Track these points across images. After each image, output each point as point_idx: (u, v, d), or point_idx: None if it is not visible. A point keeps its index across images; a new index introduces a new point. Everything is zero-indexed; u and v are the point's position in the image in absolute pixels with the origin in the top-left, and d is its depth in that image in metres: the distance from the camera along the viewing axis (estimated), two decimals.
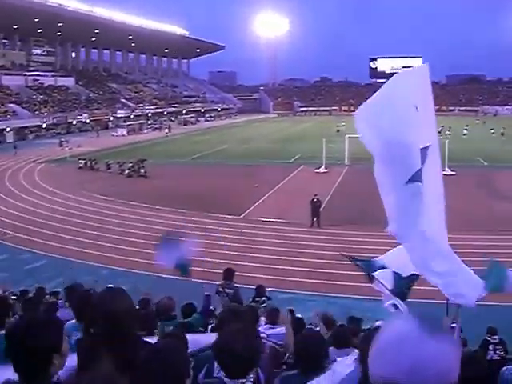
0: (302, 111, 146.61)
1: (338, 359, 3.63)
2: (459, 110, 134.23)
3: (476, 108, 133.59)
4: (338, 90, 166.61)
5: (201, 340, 4.98)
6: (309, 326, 9.50)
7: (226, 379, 3.46)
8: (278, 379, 4.22)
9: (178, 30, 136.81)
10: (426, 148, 4.87)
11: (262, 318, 7.68)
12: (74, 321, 5.12)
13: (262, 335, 6.33)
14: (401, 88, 5.25)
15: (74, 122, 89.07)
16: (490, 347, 10.91)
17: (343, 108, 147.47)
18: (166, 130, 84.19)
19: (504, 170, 42.04)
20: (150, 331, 4.81)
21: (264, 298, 12.24)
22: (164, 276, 19.83)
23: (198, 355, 4.33)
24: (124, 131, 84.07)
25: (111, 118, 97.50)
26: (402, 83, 5.34)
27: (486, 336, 11.21)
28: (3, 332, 4.35)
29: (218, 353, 3.47)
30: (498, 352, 10.78)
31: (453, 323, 7.98)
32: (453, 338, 1.78)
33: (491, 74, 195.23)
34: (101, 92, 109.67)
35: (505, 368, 7.90)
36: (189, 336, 4.84)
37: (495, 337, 11.15)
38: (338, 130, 68.08)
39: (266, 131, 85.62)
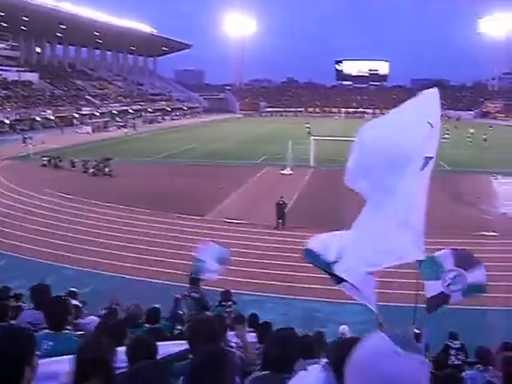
0: (268, 112, 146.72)
1: (308, 367, 3.65)
2: None
3: (440, 113, 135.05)
4: (305, 92, 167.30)
5: (170, 348, 4.99)
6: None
7: None
8: (248, 380, 4.21)
9: (146, 28, 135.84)
10: (430, 158, 5.41)
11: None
12: (46, 331, 4.92)
13: (231, 344, 6.35)
14: (415, 107, 5.77)
15: (38, 119, 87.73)
16: (452, 352, 11.12)
17: (309, 109, 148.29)
18: (126, 130, 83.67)
19: (466, 175, 42.80)
20: (120, 341, 4.75)
21: (230, 303, 12.26)
22: (127, 277, 19.87)
23: (174, 366, 4.33)
24: (89, 128, 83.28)
25: (76, 115, 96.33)
26: (415, 104, 5.81)
27: (448, 341, 11.40)
28: None
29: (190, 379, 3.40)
30: (459, 357, 10.98)
31: (418, 329, 8.13)
32: (423, 357, 1.85)
33: (455, 80, 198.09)
34: (65, 88, 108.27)
35: (465, 373, 8.10)
36: (159, 344, 4.83)
37: (456, 342, 11.35)
38: (309, 132, 67.32)
39: (232, 131, 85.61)
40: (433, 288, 7.04)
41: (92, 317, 8.46)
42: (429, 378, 1.85)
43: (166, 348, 4.92)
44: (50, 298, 5.98)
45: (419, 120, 5.47)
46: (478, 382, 7.56)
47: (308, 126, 79.28)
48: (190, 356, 4.18)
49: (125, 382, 2.72)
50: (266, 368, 4.22)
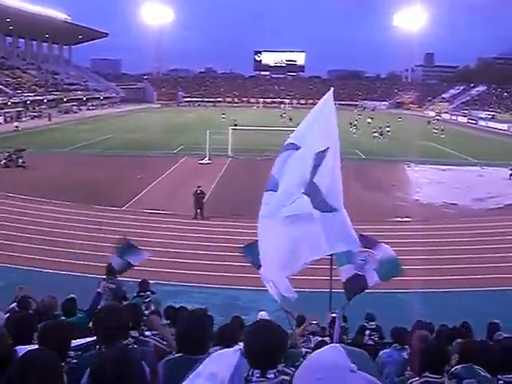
0: (187, 102, 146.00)
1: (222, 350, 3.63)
2: (339, 104, 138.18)
3: (356, 103, 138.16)
4: (223, 82, 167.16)
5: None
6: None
7: None
8: (161, 364, 4.16)
9: (60, 15, 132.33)
10: (325, 151, 6.16)
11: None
12: None
13: (146, 333, 6.28)
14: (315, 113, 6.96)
15: None
16: (366, 333, 11.39)
17: (227, 99, 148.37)
18: (16, 123, 71.85)
19: (378, 163, 44.01)
20: (29, 338, 4.56)
21: (148, 293, 12.15)
22: (44, 271, 19.36)
23: (80, 357, 4.24)
24: (1, 119, 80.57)
25: None
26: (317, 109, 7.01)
27: (364, 322, 11.68)
28: None
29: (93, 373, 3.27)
30: (372, 337, 11.26)
31: (333, 313, 8.29)
32: (375, 377, 1.84)
33: (370, 71, 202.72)
34: None
35: (382, 352, 8.33)
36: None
37: (372, 323, 11.64)
38: (235, 124, 64.29)
39: (150, 121, 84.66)
40: (347, 272, 7.21)
41: None
42: None
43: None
44: None
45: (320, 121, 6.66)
46: (395, 360, 7.79)
47: (224, 115, 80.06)
48: (97, 347, 4.12)
49: (16, 370, 2.65)
50: (179, 350, 4.20)
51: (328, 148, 6.19)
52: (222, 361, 3.24)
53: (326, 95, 7.13)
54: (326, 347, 1.92)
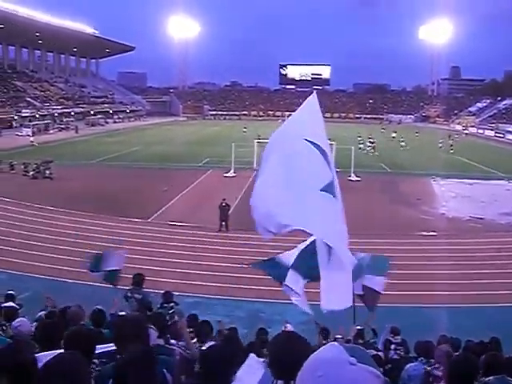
0: (212, 115, 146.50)
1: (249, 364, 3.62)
2: (365, 117, 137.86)
3: (381, 116, 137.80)
4: (248, 95, 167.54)
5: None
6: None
7: None
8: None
9: (88, 29, 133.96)
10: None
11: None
12: None
13: (171, 341, 6.33)
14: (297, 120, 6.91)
15: None
16: (392, 347, 11.30)
17: (253, 113, 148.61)
18: (32, 139, 69.23)
19: (405, 177, 43.78)
20: (55, 345, 4.59)
21: (172, 304, 12.19)
22: (69, 281, 19.51)
23: (103, 367, 4.27)
24: (29, 131, 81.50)
25: (15, 117, 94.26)
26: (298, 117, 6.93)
27: (389, 336, 11.60)
28: None
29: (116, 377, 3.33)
30: (398, 352, 11.17)
31: (358, 325, 8.27)
32: (375, 368, 1.86)
33: (396, 84, 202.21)
34: (5, 90, 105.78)
35: (408, 365, 8.27)
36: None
37: (398, 337, 11.54)
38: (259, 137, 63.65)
39: (176, 134, 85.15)
40: (358, 286, 7.31)
41: (22, 318, 8.22)
42: None
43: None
44: None
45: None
46: (421, 374, 7.73)
47: (245, 129, 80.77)
48: (118, 356, 4.14)
49: (43, 373, 2.69)
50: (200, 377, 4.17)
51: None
52: (247, 373, 3.26)
53: (308, 99, 6.97)
54: (324, 346, 1.94)
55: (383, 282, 7.54)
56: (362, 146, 60.99)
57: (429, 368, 7.81)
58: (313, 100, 6.86)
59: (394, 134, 75.71)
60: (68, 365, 2.71)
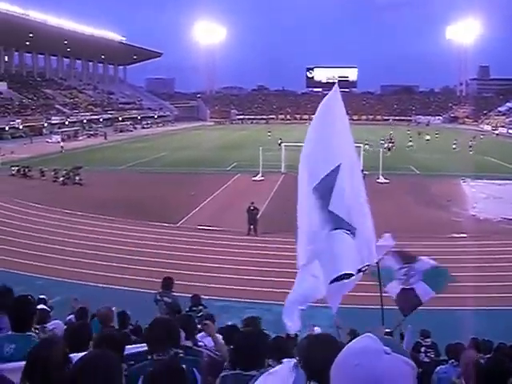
0: (239, 119, 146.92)
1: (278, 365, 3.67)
2: (393, 119, 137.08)
3: (409, 118, 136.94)
4: (275, 99, 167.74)
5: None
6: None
7: None
8: (218, 379, 4.23)
9: (115, 36, 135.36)
10: (337, 168, 5.26)
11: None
12: (8, 332, 4.76)
13: (199, 343, 6.35)
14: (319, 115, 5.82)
15: (7, 128, 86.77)
16: (422, 350, 11.22)
17: (280, 117, 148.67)
18: (61, 144, 71.19)
19: (434, 178, 43.41)
20: (85, 346, 4.62)
21: (200, 307, 12.25)
22: (100, 285, 19.70)
23: (132, 367, 4.31)
24: (59, 138, 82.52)
25: (45, 125, 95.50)
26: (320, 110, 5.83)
27: (419, 339, 11.51)
28: None
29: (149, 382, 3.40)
30: (428, 355, 11.08)
31: (387, 329, 8.21)
32: (409, 358, 1.86)
33: (424, 85, 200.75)
34: (35, 97, 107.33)
35: (438, 368, 8.20)
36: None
37: (428, 340, 11.45)
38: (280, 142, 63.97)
39: (203, 139, 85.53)
40: (394, 288, 7.19)
41: (57, 321, 8.33)
42: (415, 380, 1.87)
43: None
44: (13, 298, 5.76)
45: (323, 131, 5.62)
46: (451, 377, 7.65)
47: (269, 133, 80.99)
48: (149, 357, 4.17)
49: (77, 369, 2.73)
50: (234, 366, 4.25)
51: (340, 164, 5.28)
52: (279, 376, 3.26)
53: (330, 93, 5.89)
54: (359, 337, 1.95)
55: (431, 296, 7.43)
56: (367, 146, 55.81)
57: (457, 380, 7.74)
58: (334, 97, 5.83)
59: (428, 137, 74.86)
60: (101, 361, 2.74)
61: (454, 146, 67.25)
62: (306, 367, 3.16)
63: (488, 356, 6.90)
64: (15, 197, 35.81)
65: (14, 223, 28.74)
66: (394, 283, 7.24)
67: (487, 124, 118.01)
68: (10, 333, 4.71)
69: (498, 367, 5.17)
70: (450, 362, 8.27)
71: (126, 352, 4.64)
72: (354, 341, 1.93)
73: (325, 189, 5.21)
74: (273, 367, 3.63)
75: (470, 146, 63.42)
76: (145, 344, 4.44)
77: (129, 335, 7.69)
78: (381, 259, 6.87)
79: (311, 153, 5.72)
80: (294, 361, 3.37)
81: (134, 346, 5.11)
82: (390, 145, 63.05)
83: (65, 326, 7.45)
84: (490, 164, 53.42)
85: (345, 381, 1.82)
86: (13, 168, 47.14)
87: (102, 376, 2.64)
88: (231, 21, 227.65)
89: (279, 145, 53.47)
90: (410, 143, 69.72)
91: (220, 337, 7.53)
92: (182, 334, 4.79)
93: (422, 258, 7.34)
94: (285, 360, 3.48)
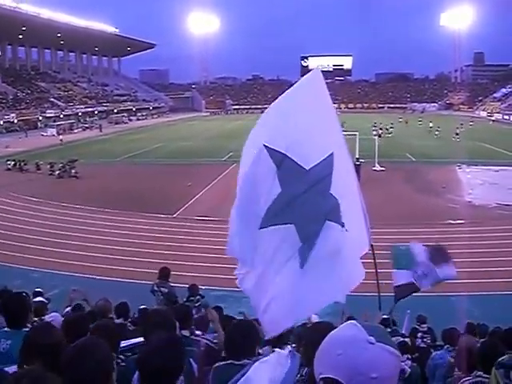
0: (235, 109, 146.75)
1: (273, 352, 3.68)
2: (388, 107, 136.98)
3: (404, 105, 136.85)
4: (270, 88, 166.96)
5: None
6: None
7: None
8: (211, 370, 4.26)
9: (108, 28, 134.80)
10: (329, 157, 4.84)
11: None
12: (4, 329, 4.73)
13: (196, 333, 6.39)
14: (296, 99, 5.25)
15: (1, 123, 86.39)
16: (418, 335, 11.28)
17: None
18: (60, 137, 71.97)
19: (430, 165, 43.45)
20: (84, 333, 4.64)
21: (198, 297, 12.29)
22: (97, 277, 19.72)
23: (128, 358, 4.34)
24: (54, 131, 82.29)
25: (40, 118, 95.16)
26: (297, 94, 5.29)
27: (416, 324, 11.57)
28: None
29: (140, 367, 3.39)
30: (424, 340, 11.14)
31: (384, 314, 8.26)
32: (395, 348, 1.88)
33: (419, 72, 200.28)
34: (29, 91, 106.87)
35: (434, 353, 8.25)
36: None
37: (424, 325, 11.51)
38: None
39: (199, 130, 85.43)
40: (402, 277, 7.18)
41: (54, 313, 8.35)
42: (399, 369, 1.89)
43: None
44: (7, 295, 5.76)
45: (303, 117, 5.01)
46: (446, 362, 7.70)
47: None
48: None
49: (68, 356, 2.79)
50: (227, 356, 4.28)
51: (332, 153, 4.85)
52: (271, 364, 3.29)
53: (309, 74, 5.51)
54: (343, 324, 1.97)
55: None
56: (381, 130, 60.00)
57: (452, 360, 7.79)
58: (314, 78, 5.39)
59: (431, 124, 74.42)
60: (90, 347, 2.80)
61: (436, 133, 67.68)
62: (305, 354, 3.19)
63: (482, 340, 6.95)
64: (11, 191, 35.78)
65: (11, 217, 28.72)
66: (406, 273, 7.22)
67: (482, 110, 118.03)
68: (5, 329, 4.71)
69: (490, 351, 5.22)
70: (446, 347, 8.32)
71: (123, 344, 4.67)
72: (337, 329, 1.94)
73: (318, 177, 4.78)
74: (264, 356, 3.65)
75: (457, 134, 62.79)
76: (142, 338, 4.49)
77: (125, 325, 7.72)
78: (412, 245, 6.87)
79: (296, 140, 4.97)
80: (288, 348, 3.40)
81: (132, 340, 5.14)
82: (380, 131, 62.90)
83: (62, 318, 7.47)
84: (480, 150, 53.38)
85: (328, 370, 1.84)
86: (8, 162, 47.05)
87: (91, 363, 2.68)
88: (225, 10, 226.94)
89: None
90: (391, 129, 70.34)
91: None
92: (178, 325, 4.83)
93: (452, 266, 7.27)
94: (277, 349, 3.51)
